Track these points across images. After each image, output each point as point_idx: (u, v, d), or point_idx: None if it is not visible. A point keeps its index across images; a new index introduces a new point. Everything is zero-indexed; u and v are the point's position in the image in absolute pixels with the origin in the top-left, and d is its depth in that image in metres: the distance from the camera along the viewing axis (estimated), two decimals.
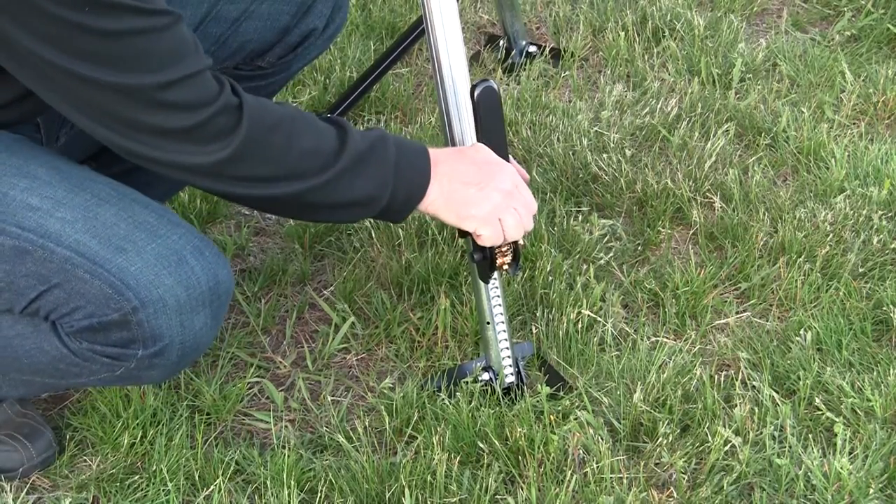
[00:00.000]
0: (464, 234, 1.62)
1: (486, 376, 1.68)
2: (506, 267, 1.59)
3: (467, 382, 1.66)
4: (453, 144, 1.61)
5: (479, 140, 1.54)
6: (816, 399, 1.66)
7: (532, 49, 2.49)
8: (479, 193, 1.48)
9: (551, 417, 1.61)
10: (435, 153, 1.47)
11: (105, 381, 1.40)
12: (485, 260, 1.60)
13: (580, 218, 2.03)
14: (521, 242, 1.61)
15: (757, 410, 1.64)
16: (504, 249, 1.59)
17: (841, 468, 1.53)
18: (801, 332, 1.78)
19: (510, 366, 1.67)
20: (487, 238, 1.51)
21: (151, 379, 1.43)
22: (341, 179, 1.38)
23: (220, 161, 1.29)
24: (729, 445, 1.59)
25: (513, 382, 1.68)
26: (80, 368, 1.37)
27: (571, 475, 1.53)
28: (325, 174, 1.37)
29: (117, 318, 1.30)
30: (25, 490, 1.58)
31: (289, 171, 1.35)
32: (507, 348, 1.66)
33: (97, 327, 1.31)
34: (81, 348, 1.34)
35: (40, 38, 1.18)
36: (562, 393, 1.68)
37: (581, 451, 1.59)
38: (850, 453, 1.58)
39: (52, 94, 1.24)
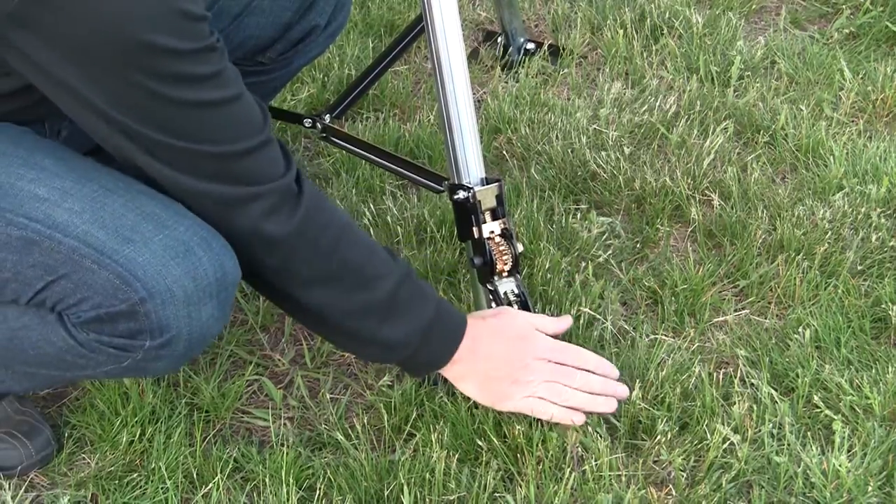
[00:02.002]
0: (464, 237, 1.63)
1: None
2: (505, 273, 1.61)
3: None
4: (452, 143, 1.61)
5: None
6: (815, 397, 1.66)
7: (530, 46, 2.49)
8: (512, 384, 1.55)
9: None
10: (474, 330, 1.53)
11: (111, 373, 1.40)
12: (485, 265, 1.60)
13: (579, 216, 2.03)
14: (520, 249, 1.62)
15: (755, 408, 1.64)
16: (505, 258, 1.60)
17: (839, 466, 1.53)
18: (800, 329, 1.78)
19: None
20: (540, 413, 1.57)
21: (157, 371, 1.43)
22: (371, 312, 1.45)
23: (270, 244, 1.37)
24: (727, 443, 1.59)
25: None
26: (86, 360, 1.37)
27: (570, 473, 1.54)
28: (357, 296, 1.43)
29: (125, 309, 1.30)
30: (24, 488, 1.58)
31: (326, 275, 1.41)
32: None
33: (104, 318, 1.31)
34: (88, 339, 1.34)
35: (116, 103, 1.23)
36: None
37: (579, 449, 1.59)
38: (849, 451, 1.58)
39: (110, 144, 1.30)
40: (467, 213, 1.61)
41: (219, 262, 1.33)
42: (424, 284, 1.51)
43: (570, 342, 1.76)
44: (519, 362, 1.54)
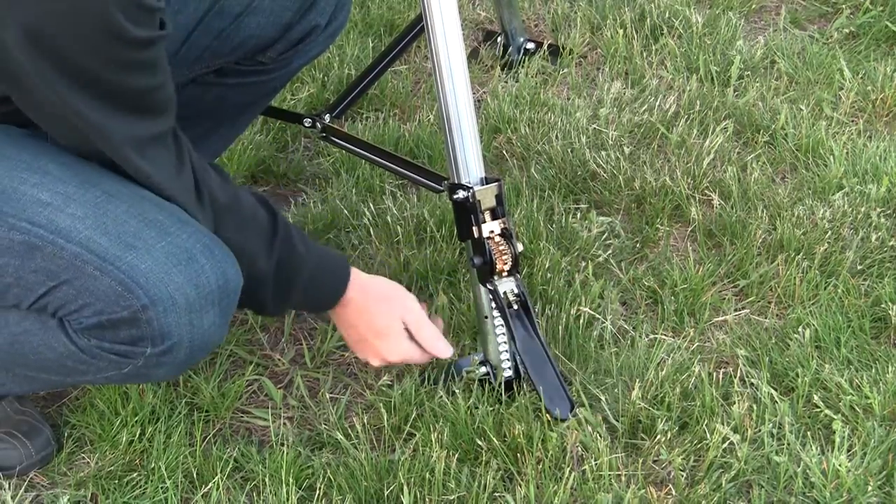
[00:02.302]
0: (464, 237, 1.64)
1: (483, 370, 1.68)
2: (505, 273, 1.61)
3: (462, 378, 1.67)
4: (451, 142, 1.61)
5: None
6: (815, 396, 1.66)
7: (530, 46, 2.49)
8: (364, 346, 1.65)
9: (549, 415, 1.61)
10: (351, 292, 1.59)
11: (112, 379, 1.40)
12: (485, 264, 1.60)
13: (578, 215, 2.03)
14: (520, 248, 1.62)
15: (755, 408, 1.64)
16: (504, 257, 1.60)
17: (839, 465, 1.53)
18: (800, 329, 1.78)
19: (508, 360, 1.67)
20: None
21: (158, 377, 1.43)
22: (257, 287, 1.48)
23: None
24: (727, 443, 1.59)
25: (511, 377, 1.68)
26: (87, 366, 1.36)
27: (570, 472, 1.54)
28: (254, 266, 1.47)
29: (126, 316, 1.29)
30: (24, 488, 1.58)
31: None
32: (505, 342, 1.66)
33: (106, 325, 1.31)
34: (89, 345, 1.33)
35: (68, 89, 1.23)
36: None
37: (579, 449, 1.59)
38: (849, 451, 1.58)
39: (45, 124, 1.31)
40: (467, 213, 1.61)
41: (221, 270, 1.33)
42: (302, 253, 1.53)
43: (570, 342, 1.76)
44: (374, 337, 1.63)
